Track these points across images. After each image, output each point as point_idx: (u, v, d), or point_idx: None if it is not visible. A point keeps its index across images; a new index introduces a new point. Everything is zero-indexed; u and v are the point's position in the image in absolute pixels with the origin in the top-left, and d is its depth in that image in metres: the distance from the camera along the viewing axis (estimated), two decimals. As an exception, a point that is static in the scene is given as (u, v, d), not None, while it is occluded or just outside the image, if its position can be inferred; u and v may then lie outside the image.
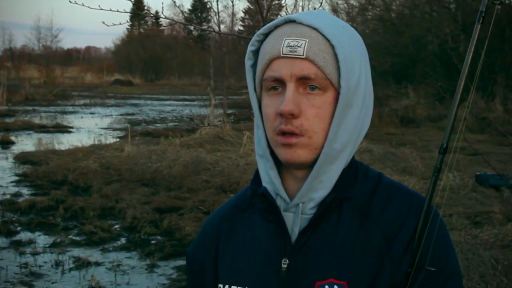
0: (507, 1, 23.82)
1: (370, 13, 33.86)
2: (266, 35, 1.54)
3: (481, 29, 1.53)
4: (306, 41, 1.45)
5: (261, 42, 1.55)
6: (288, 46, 1.45)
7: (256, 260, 1.55)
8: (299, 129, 1.45)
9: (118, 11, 4.18)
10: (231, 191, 11.62)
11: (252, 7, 59.23)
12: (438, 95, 26.06)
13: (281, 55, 1.46)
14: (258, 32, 1.55)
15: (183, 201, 11.09)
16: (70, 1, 3.96)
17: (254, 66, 1.58)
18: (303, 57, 1.44)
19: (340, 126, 1.47)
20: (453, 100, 1.53)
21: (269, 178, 1.55)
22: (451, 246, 1.53)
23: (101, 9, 4.03)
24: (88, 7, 3.99)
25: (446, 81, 26.68)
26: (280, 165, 1.56)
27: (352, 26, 1.56)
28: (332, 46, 1.46)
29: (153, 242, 9.07)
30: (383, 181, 1.57)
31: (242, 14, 69.11)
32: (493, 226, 8.36)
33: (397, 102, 25.78)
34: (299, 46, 1.44)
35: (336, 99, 1.47)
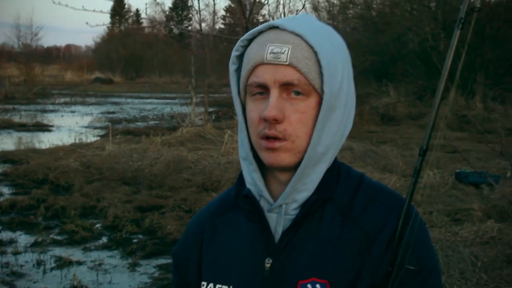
0: (491, 1, 23.95)
1: (351, 12, 33.96)
2: (250, 40, 1.57)
3: (461, 32, 1.57)
4: (289, 47, 1.47)
5: (245, 47, 1.58)
6: (272, 52, 1.48)
7: (240, 259, 1.58)
8: (283, 133, 1.48)
9: (102, 11, 4.17)
10: (213, 189, 11.63)
11: (233, 5, 59.22)
12: (419, 93, 26.19)
13: (265, 61, 1.48)
14: (243, 38, 1.57)
15: (164, 200, 11.08)
16: (53, 2, 3.94)
17: (238, 70, 1.60)
18: (286, 63, 1.47)
19: (323, 130, 1.50)
20: (433, 102, 1.56)
21: (253, 180, 1.58)
22: (430, 245, 1.58)
23: (85, 10, 4.01)
24: (72, 8, 3.98)
25: (427, 79, 26.82)
26: (264, 167, 1.58)
27: (333, 24, 1.58)
28: (315, 52, 1.48)
29: (134, 241, 9.06)
30: (365, 182, 1.61)
31: (223, 12, 69.14)
32: (473, 223, 8.42)
33: (377, 100, 25.87)
34: (282, 53, 1.47)
35: (319, 104, 1.50)
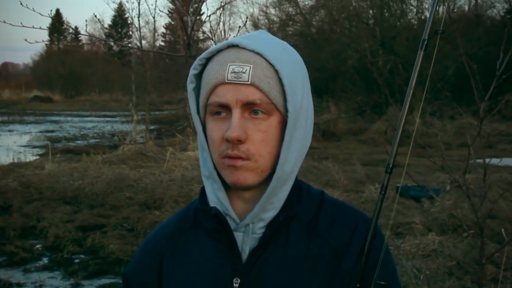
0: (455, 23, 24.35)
1: (290, 29, 34.31)
2: (208, 59, 1.54)
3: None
4: (250, 66, 1.45)
5: (203, 65, 1.55)
6: (233, 72, 1.45)
7: (206, 280, 1.54)
8: (246, 153, 1.46)
9: (41, 28, 4.10)
10: (155, 207, 11.54)
11: (173, 23, 59.13)
12: (359, 108, 26.53)
13: (226, 81, 1.46)
14: (201, 56, 1.54)
15: (106, 219, 10.95)
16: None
17: (196, 89, 1.57)
18: (248, 83, 1.45)
19: (289, 149, 1.49)
20: (399, 120, 1.59)
21: (218, 199, 1.55)
22: (393, 262, 1.61)
23: (23, 26, 3.94)
24: (10, 24, 3.90)
25: (366, 95, 27.19)
26: (227, 186, 1.55)
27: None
28: (276, 71, 1.47)
29: (76, 261, 8.91)
30: (326, 199, 1.62)
31: (163, 30, 68.94)
32: (414, 236, 8.56)
33: (318, 116, 26.13)
34: (243, 72, 1.45)
35: (280, 122, 1.49)
